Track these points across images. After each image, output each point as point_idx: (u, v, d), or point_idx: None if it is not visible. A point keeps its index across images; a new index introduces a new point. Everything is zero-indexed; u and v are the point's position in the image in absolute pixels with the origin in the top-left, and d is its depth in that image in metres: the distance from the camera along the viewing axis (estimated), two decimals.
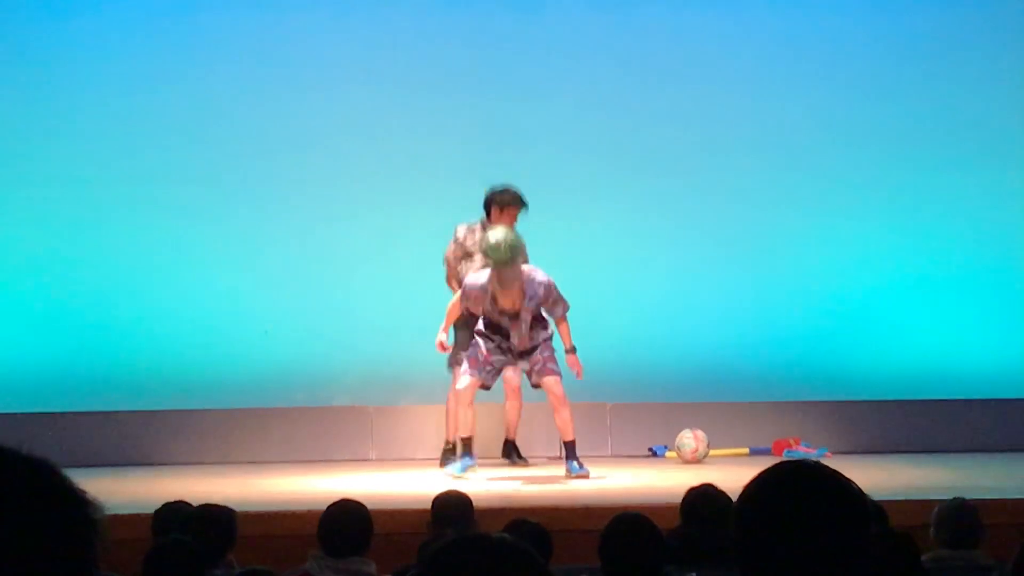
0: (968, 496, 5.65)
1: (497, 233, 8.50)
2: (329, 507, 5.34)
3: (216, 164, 10.79)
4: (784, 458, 5.51)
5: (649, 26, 11.08)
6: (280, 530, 6.71)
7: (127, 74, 10.77)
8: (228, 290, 10.70)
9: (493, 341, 8.63)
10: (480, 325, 8.69)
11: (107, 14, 10.81)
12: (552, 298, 8.62)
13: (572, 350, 8.73)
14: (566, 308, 8.69)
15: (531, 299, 8.55)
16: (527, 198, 9.38)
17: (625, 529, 4.66)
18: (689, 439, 9.86)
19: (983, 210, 11.02)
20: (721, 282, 10.86)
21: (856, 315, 10.97)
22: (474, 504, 5.96)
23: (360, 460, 10.35)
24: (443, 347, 8.89)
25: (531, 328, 8.66)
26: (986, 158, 11.06)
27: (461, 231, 9.49)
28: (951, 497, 5.61)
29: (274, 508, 7.20)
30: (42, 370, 10.53)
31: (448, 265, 9.52)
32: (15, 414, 10.02)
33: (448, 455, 9.29)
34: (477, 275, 8.69)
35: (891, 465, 9.40)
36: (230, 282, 10.71)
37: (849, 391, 10.79)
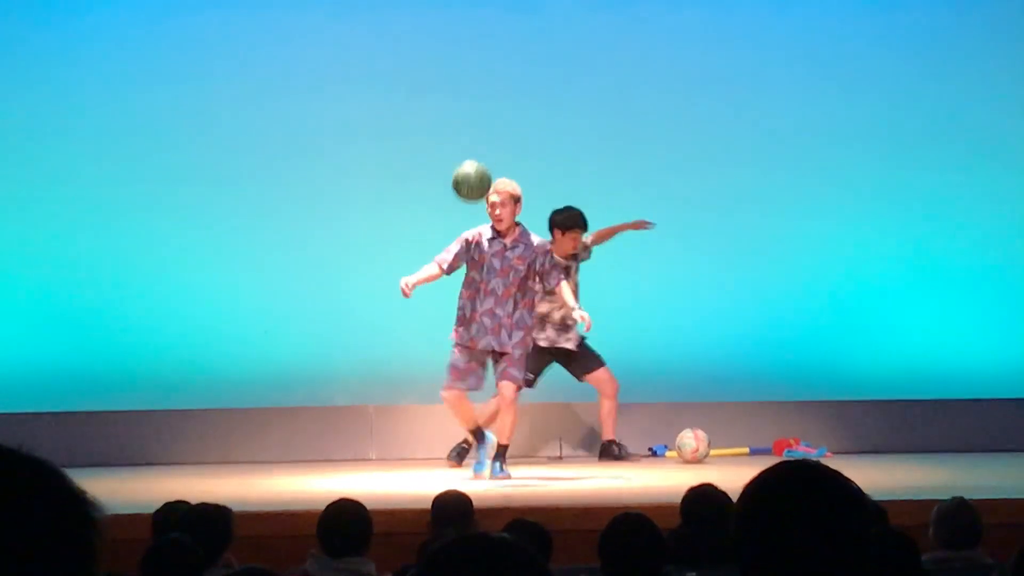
0: (968, 496, 5.64)
1: (467, 166, 8.53)
2: (328, 507, 5.34)
3: (217, 165, 10.78)
4: (784, 458, 5.50)
5: (650, 27, 11.08)
6: (280, 530, 6.70)
7: (127, 75, 10.77)
8: (228, 290, 10.70)
9: (473, 326, 8.67)
10: (463, 308, 8.72)
11: (109, 15, 10.81)
12: (549, 262, 8.73)
13: (577, 307, 8.83)
14: (559, 279, 8.79)
15: (524, 248, 8.60)
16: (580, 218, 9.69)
17: (625, 529, 4.66)
18: (690, 439, 9.85)
19: (983, 210, 11.02)
20: (721, 282, 10.86)
21: (856, 315, 10.96)
22: (474, 504, 5.96)
23: (360, 460, 10.35)
24: (407, 291, 8.76)
25: (515, 324, 8.69)
26: (986, 158, 11.06)
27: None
28: (951, 497, 5.60)
29: (274, 508, 7.21)
30: (42, 370, 10.53)
31: None
32: (15, 414, 10.02)
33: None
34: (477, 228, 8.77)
35: (891, 465, 9.39)
36: (230, 282, 10.71)
37: (849, 391, 10.79)
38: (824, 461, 2.42)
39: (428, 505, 6.00)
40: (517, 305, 8.72)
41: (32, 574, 1.50)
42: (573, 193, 10.07)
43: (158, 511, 5.69)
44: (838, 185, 11.02)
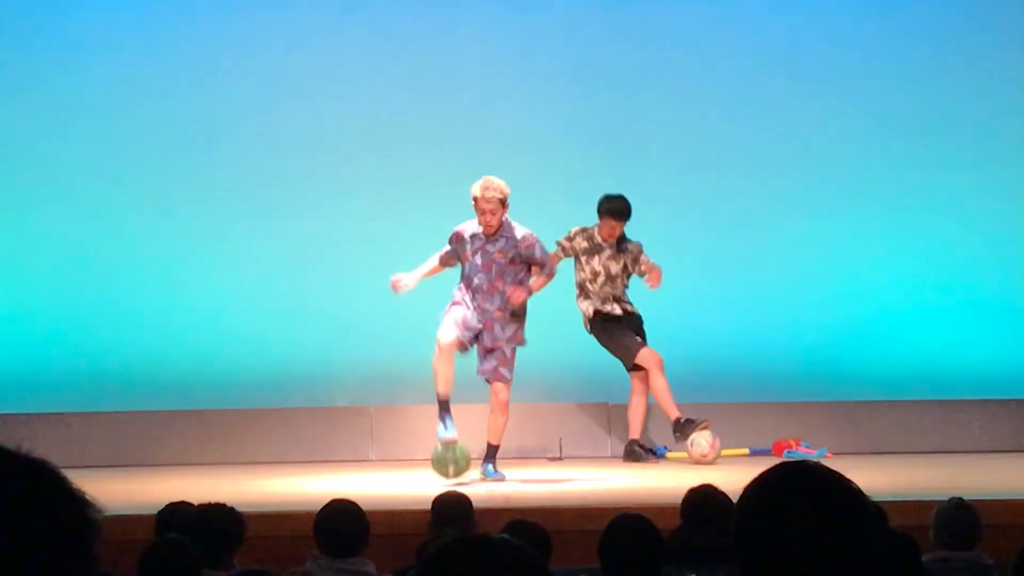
0: (968, 496, 5.64)
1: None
2: (323, 508, 5.35)
3: (217, 166, 10.79)
4: (784, 458, 5.49)
5: (652, 27, 11.08)
6: (280, 530, 6.70)
7: (128, 77, 10.77)
8: (228, 291, 10.70)
9: (469, 308, 8.70)
10: (457, 296, 8.74)
11: (113, 16, 10.81)
12: (539, 248, 8.77)
13: (530, 291, 8.82)
14: (551, 273, 8.86)
15: (506, 242, 8.65)
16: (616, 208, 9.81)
17: (625, 529, 4.66)
18: (705, 442, 9.76)
19: (983, 210, 11.02)
20: (722, 282, 10.86)
21: (856, 316, 10.96)
22: (474, 504, 5.96)
23: (360, 460, 10.35)
24: (396, 286, 8.82)
25: (505, 317, 8.71)
26: (988, 159, 11.06)
27: (574, 231, 9.94)
28: (950, 497, 5.60)
29: (274, 508, 7.20)
30: (43, 370, 10.53)
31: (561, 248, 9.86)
32: (15, 414, 10.02)
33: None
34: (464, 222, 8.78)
35: (891, 465, 9.39)
36: (230, 283, 10.71)
37: (849, 391, 10.79)
38: (824, 462, 2.42)
39: (428, 506, 6.00)
40: (504, 298, 8.75)
41: (32, 574, 1.50)
42: (573, 193, 10.07)
43: (160, 512, 5.68)
44: (838, 185, 11.02)
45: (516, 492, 8.17)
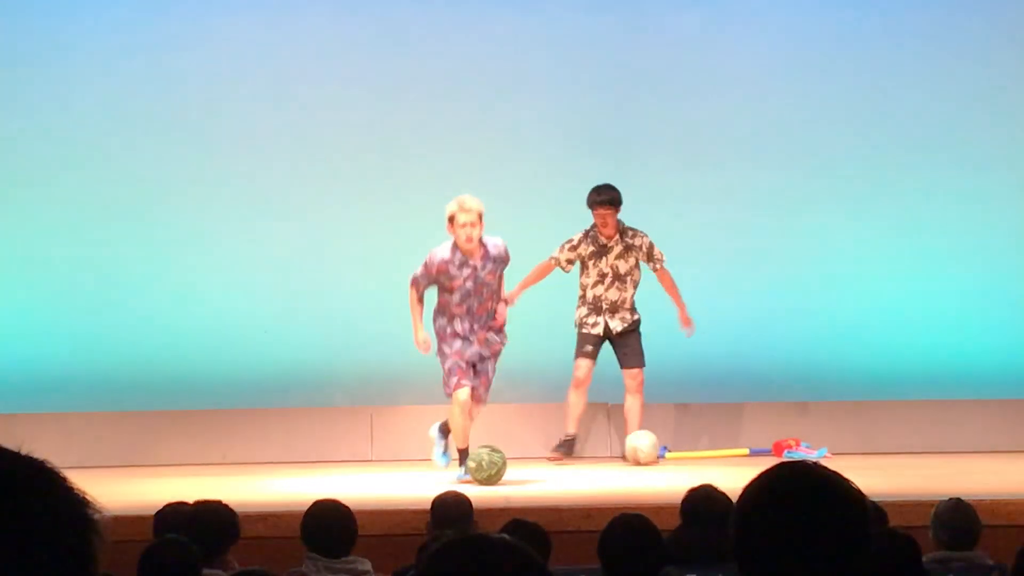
0: (968, 496, 5.65)
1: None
2: (308, 510, 5.36)
3: (217, 165, 10.79)
4: (784, 459, 5.49)
5: (653, 28, 11.08)
6: (280, 530, 6.70)
7: (125, 73, 10.77)
8: (228, 291, 10.70)
9: (459, 336, 8.69)
10: (446, 334, 8.73)
11: (109, 15, 10.81)
12: (506, 264, 8.84)
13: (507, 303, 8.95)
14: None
15: (493, 263, 8.67)
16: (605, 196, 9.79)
17: (625, 529, 4.66)
18: (648, 445, 9.75)
19: (983, 210, 11.01)
20: (721, 282, 10.86)
21: (856, 315, 10.96)
22: (474, 504, 5.96)
23: (360, 460, 10.34)
24: (427, 347, 8.85)
25: (494, 320, 8.74)
26: (989, 159, 11.05)
27: (578, 238, 9.92)
28: (950, 497, 5.60)
29: (274, 508, 7.20)
30: (42, 370, 10.53)
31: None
32: (15, 414, 10.01)
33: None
34: (438, 247, 8.73)
35: (891, 465, 9.39)
36: (230, 283, 10.71)
37: (849, 391, 10.79)
38: (824, 462, 2.42)
39: (428, 506, 6.00)
40: (492, 311, 8.80)
41: (32, 575, 1.50)
42: (573, 194, 10.06)
43: (159, 512, 5.69)
44: (839, 186, 11.01)
45: (516, 492, 8.17)
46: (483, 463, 8.55)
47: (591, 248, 9.90)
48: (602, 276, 9.93)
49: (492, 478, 8.55)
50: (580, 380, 9.91)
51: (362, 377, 10.65)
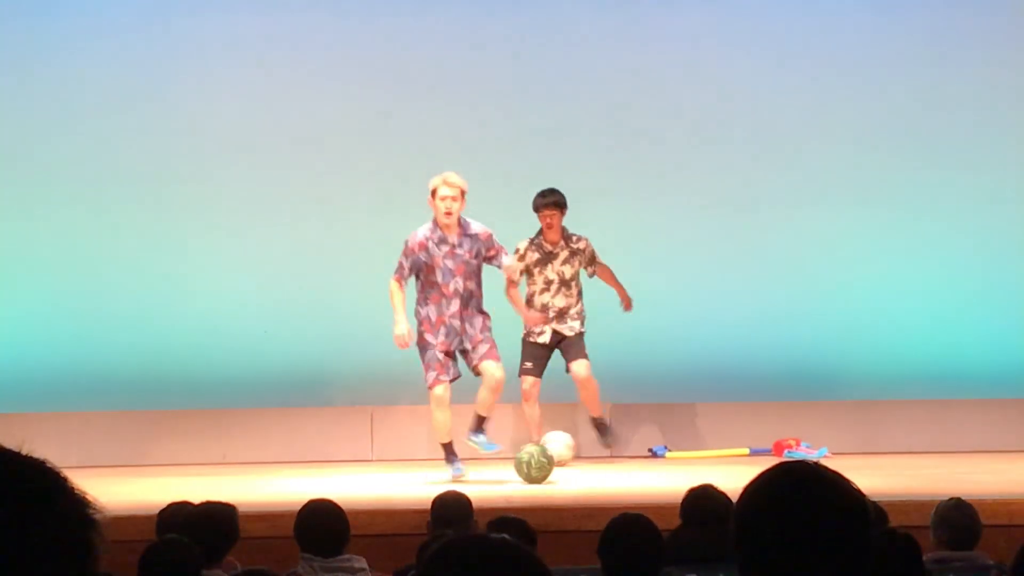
0: (968, 496, 5.64)
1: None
2: (301, 510, 5.37)
3: (216, 165, 10.79)
4: (784, 458, 5.48)
5: (653, 28, 11.07)
6: (280, 530, 6.70)
7: (124, 74, 10.77)
8: (227, 290, 10.70)
9: (444, 324, 8.69)
10: (426, 324, 8.72)
11: (113, 19, 10.81)
12: (495, 246, 8.83)
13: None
14: (505, 256, 8.97)
15: (471, 241, 8.70)
16: (550, 198, 9.68)
17: (625, 529, 4.66)
18: (565, 447, 9.70)
19: (983, 210, 11.01)
20: (721, 282, 10.86)
21: (857, 316, 10.96)
22: (474, 504, 5.95)
23: (360, 460, 10.35)
24: (405, 342, 8.84)
25: (473, 312, 8.74)
26: (988, 159, 11.05)
27: (523, 246, 9.78)
28: (950, 497, 5.60)
29: (274, 508, 7.20)
30: (42, 370, 10.53)
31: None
32: (15, 414, 10.01)
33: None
34: (417, 230, 8.75)
35: (891, 465, 9.40)
36: (230, 283, 10.71)
37: (849, 391, 10.79)
38: (824, 461, 2.42)
39: (428, 506, 6.00)
40: (473, 295, 8.80)
41: (33, 574, 1.50)
42: (574, 193, 10.05)
43: (162, 512, 5.68)
44: (839, 186, 11.01)
45: (516, 492, 8.17)
46: (532, 462, 8.53)
47: (536, 255, 9.81)
48: (548, 283, 9.82)
49: (534, 478, 8.52)
50: (527, 393, 9.73)
51: (362, 377, 10.65)
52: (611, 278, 9.92)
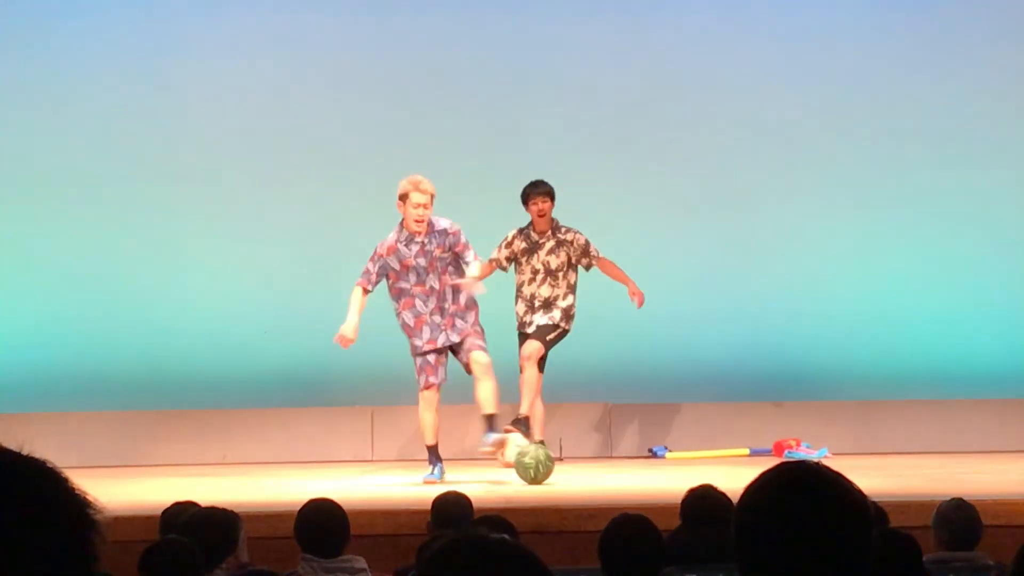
0: (968, 496, 5.64)
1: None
2: (301, 510, 5.36)
3: (216, 165, 10.80)
4: (785, 459, 5.48)
5: (652, 28, 11.08)
6: (280, 530, 6.70)
7: (124, 75, 10.78)
8: (228, 290, 10.71)
9: (426, 324, 8.70)
10: (409, 322, 8.74)
11: (107, 15, 10.81)
12: (462, 241, 8.80)
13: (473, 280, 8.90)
14: (474, 254, 8.92)
15: (439, 236, 8.73)
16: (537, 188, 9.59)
17: (625, 530, 4.65)
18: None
19: (984, 210, 11.02)
20: (721, 282, 10.86)
21: (857, 316, 10.97)
22: (474, 504, 5.95)
23: (360, 460, 10.35)
24: (346, 341, 8.83)
25: (464, 307, 8.75)
26: (990, 159, 11.06)
27: (511, 235, 9.73)
28: (950, 497, 5.60)
29: (274, 508, 7.20)
30: (42, 370, 10.53)
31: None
32: (15, 414, 10.02)
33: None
34: (385, 237, 8.80)
35: (891, 465, 9.40)
36: (230, 283, 10.72)
37: (849, 391, 10.79)
38: (824, 462, 2.42)
39: (428, 506, 5.99)
40: (454, 289, 8.80)
41: (32, 574, 1.50)
42: (573, 193, 10.06)
43: (166, 512, 5.68)
44: (840, 186, 11.02)
45: (516, 492, 8.16)
46: (540, 467, 8.52)
47: (523, 244, 9.81)
48: (534, 273, 9.82)
49: (533, 478, 8.51)
50: (523, 357, 9.63)
51: (362, 377, 10.66)
52: (616, 271, 9.87)
